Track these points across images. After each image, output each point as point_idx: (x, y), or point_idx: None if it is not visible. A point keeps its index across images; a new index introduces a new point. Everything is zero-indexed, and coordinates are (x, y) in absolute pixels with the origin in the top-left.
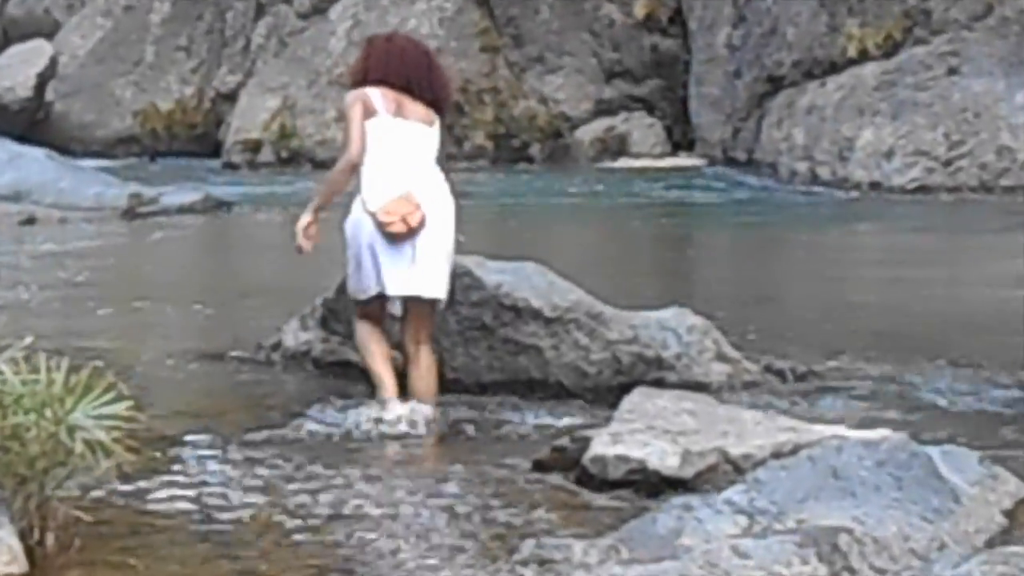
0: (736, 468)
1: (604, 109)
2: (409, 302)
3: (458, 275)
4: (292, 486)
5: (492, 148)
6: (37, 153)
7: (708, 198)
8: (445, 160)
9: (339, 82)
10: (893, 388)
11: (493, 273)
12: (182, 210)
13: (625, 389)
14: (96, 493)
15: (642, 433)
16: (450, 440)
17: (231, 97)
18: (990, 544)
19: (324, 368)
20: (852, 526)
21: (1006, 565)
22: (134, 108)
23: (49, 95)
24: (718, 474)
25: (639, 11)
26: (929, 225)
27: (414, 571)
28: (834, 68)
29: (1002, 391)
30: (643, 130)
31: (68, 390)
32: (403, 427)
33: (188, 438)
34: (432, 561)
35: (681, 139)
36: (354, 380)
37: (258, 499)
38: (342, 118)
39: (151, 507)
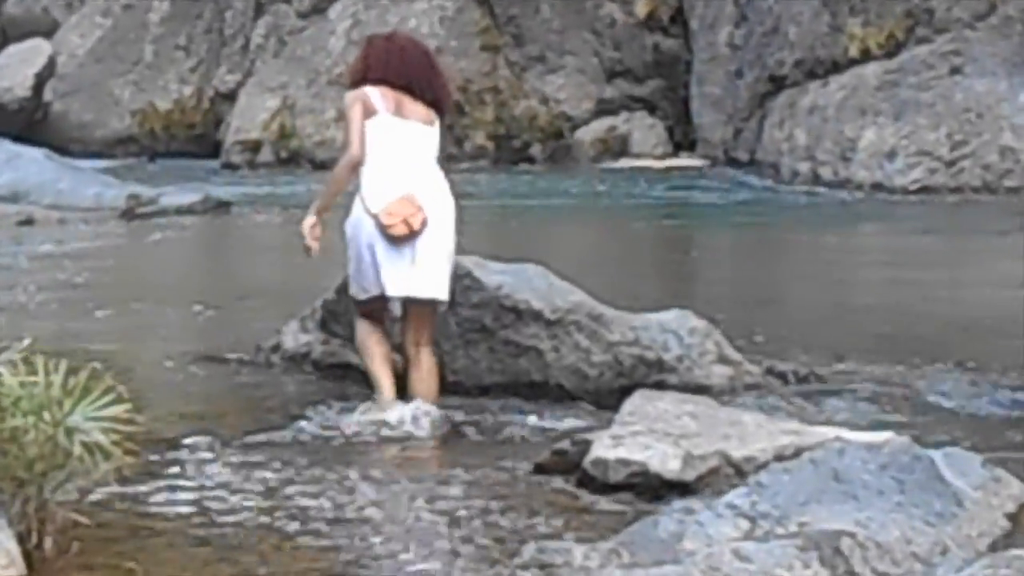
0: (738, 471)
1: (605, 109)
2: (409, 303)
3: (458, 276)
4: (292, 489)
5: (493, 148)
6: (35, 153)
7: (709, 199)
8: (445, 160)
9: (339, 82)
10: (896, 391)
11: (493, 274)
12: (181, 211)
13: (626, 391)
14: (95, 496)
15: (643, 436)
16: (450, 443)
17: (230, 97)
18: (993, 548)
19: (324, 370)
20: (854, 530)
21: (1009, 569)
22: (133, 108)
23: (47, 95)
24: (720, 477)
25: (640, 10)
26: (932, 226)
27: (414, 575)
28: (836, 68)
29: (1006, 394)
30: (644, 130)
31: (66, 392)
32: (403, 430)
33: (187, 440)
34: (432, 565)
35: (682, 139)
36: (354, 382)
37: (258, 502)
38: (342, 118)
39: (150, 510)
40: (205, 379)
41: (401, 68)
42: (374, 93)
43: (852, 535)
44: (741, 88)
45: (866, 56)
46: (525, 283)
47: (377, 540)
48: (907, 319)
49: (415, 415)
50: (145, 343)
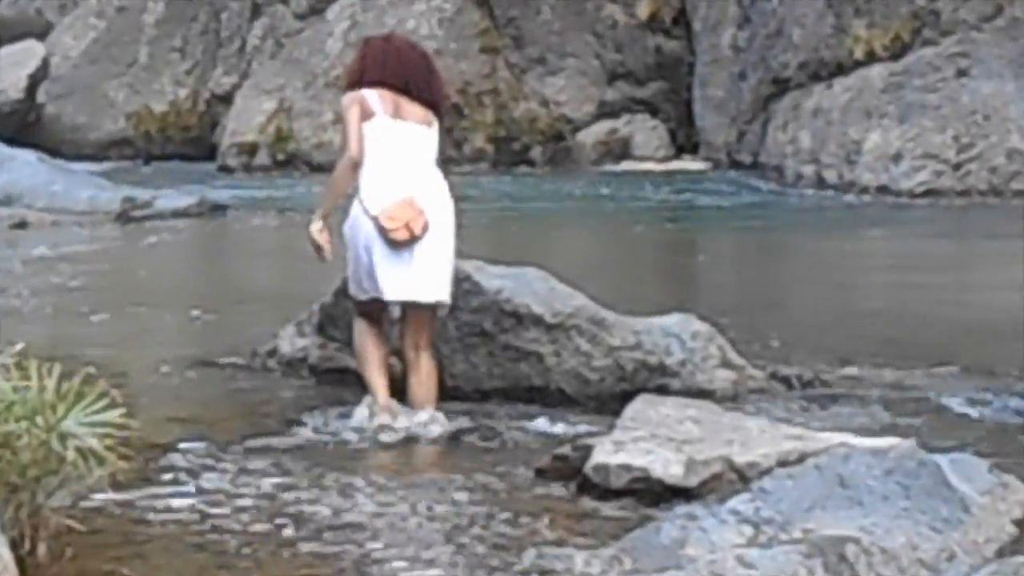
0: (741, 477)
1: (607, 111)
2: (408, 307)
3: (458, 280)
4: (288, 495)
5: (492, 151)
6: (28, 156)
7: (712, 202)
8: (444, 163)
9: (336, 84)
10: (902, 395)
11: (493, 278)
12: (176, 214)
13: (628, 396)
14: (88, 502)
15: (645, 441)
16: (450, 448)
17: (226, 99)
18: (1000, 554)
19: (321, 375)
20: (859, 536)
21: None
22: (127, 110)
23: (41, 97)
24: (723, 483)
25: (642, 12)
26: (938, 229)
27: None
28: (841, 70)
29: (1013, 399)
30: (646, 133)
31: (60, 397)
32: (401, 435)
33: (183, 446)
34: (432, 571)
35: (685, 142)
36: (351, 387)
37: (254, 508)
38: (339, 120)
39: (145, 516)
40: (201, 384)
41: (398, 69)
42: (371, 95)
43: (857, 541)
44: (744, 90)
45: (871, 58)
46: (525, 287)
47: (375, 546)
48: (913, 323)
49: (412, 420)
50: (140, 347)
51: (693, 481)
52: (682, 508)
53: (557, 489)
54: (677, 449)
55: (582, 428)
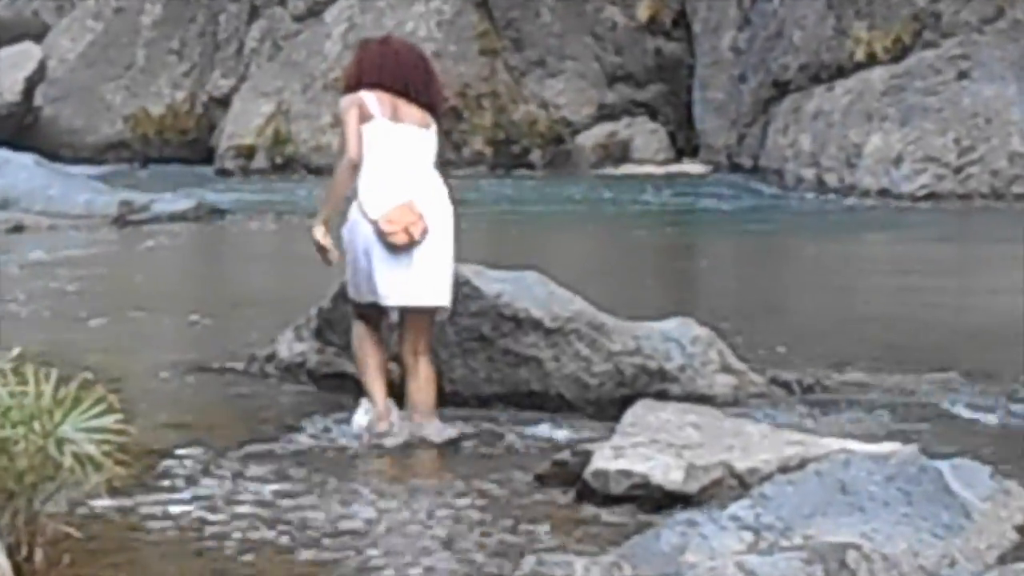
0: (742, 483)
1: (606, 114)
2: (406, 311)
3: (457, 284)
4: (286, 501)
5: (491, 154)
6: (25, 159)
7: (712, 205)
8: (443, 166)
9: (334, 86)
10: (902, 401)
11: (492, 282)
12: (174, 218)
13: (627, 402)
14: (85, 508)
15: (645, 447)
16: (448, 454)
17: (224, 102)
18: (1002, 560)
19: (319, 380)
20: (860, 542)
21: None
22: (125, 113)
23: (38, 99)
24: (723, 489)
25: (642, 14)
26: (939, 233)
27: None
28: (841, 72)
29: (1015, 404)
30: (646, 136)
31: (57, 402)
32: (400, 440)
33: (180, 452)
34: None
35: (685, 145)
36: (350, 392)
37: (252, 514)
38: (338, 123)
39: (142, 522)
40: (199, 389)
41: (397, 72)
42: (370, 98)
43: (858, 547)
44: (745, 93)
45: (872, 60)
46: (525, 291)
47: (374, 553)
48: (914, 328)
49: (409, 426)
50: (137, 352)
51: (693, 487)
52: (682, 514)
53: (556, 495)
54: (677, 455)
55: (581, 434)
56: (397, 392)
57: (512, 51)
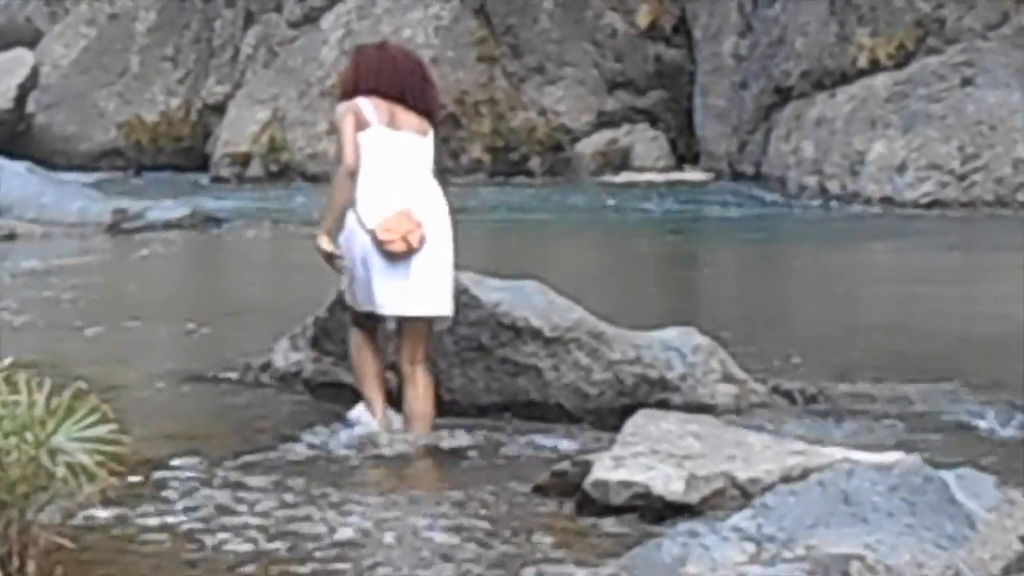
0: (743, 493)
1: (606, 121)
2: (404, 320)
3: (455, 293)
4: (283, 512)
5: (490, 161)
6: (18, 167)
7: (714, 213)
8: (441, 174)
9: (331, 93)
10: (906, 410)
11: (491, 291)
12: (168, 226)
13: (628, 411)
14: (79, 519)
15: (646, 457)
16: (447, 464)
17: (219, 109)
18: (1007, 571)
19: (316, 389)
20: (864, 553)
21: None
22: (118, 120)
23: (30, 106)
24: (725, 499)
25: (642, 20)
26: (943, 241)
27: None
28: (844, 79)
29: (1019, 413)
30: (646, 143)
31: (50, 412)
32: (397, 450)
33: (174, 462)
34: None
35: (686, 152)
36: (346, 402)
37: (248, 525)
38: (334, 130)
39: (136, 533)
40: (193, 399)
41: (393, 78)
42: (366, 105)
43: (861, 558)
44: (746, 100)
45: (875, 67)
46: (524, 300)
47: (371, 564)
48: (918, 336)
49: (409, 436)
50: (132, 362)
51: (694, 497)
52: (683, 525)
53: (556, 506)
54: (678, 465)
55: (581, 443)
56: (394, 401)
57: (511, 58)
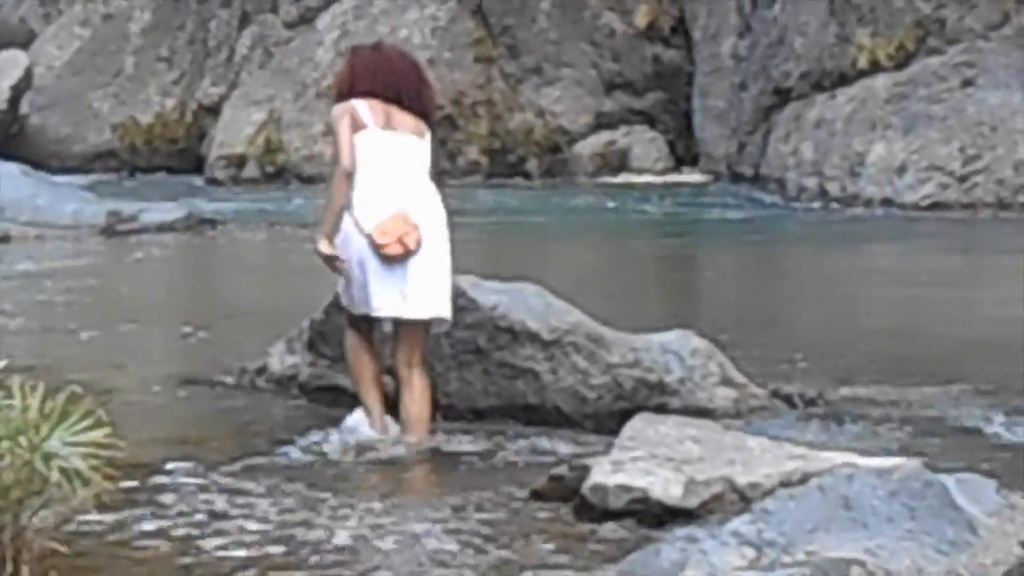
0: (743, 498)
1: (604, 122)
2: (401, 323)
3: (452, 296)
4: (278, 516)
5: (487, 163)
6: (11, 168)
7: (712, 215)
8: (437, 175)
9: (327, 94)
10: (906, 414)
11: (488, 294)
12: (163, 228)
13: (626, 415)
14: (73, 524)
15: (644, 461)
16: (444, 468)
17: (214, 110)
18: None
19: (312, 393)
20: (864, 558)
21: None
22: (113, 121)
23: (24, 108)
24: (724, 504)
25: (640, 20)
26: (944, 244)
27: None
28: (844, 80)
29: (1021, 417)
30: (645, 144)
31: (44, 416)
32: (394, 454)
33: (170, 466)
34: None
35: (684, 154)
36: (343, 406)
37: (243, 530)
38: (330, 132)
39: (131, 538)
40: (188, 403)
41: (390, 79)
42: (362, 106)
43: (862, 564)
44: (745, 101)
45: (875, 68)
46: (521, 303)
47: (368, 569)
48: (918, 340)
49: (406, 440)
50: (126, 365)
51: (693, 502)
52: (682, 530)
53: (554, 510)
54: (677, 469)
55: (579, 448)
56: (392, 406)
57: (508, 58)
